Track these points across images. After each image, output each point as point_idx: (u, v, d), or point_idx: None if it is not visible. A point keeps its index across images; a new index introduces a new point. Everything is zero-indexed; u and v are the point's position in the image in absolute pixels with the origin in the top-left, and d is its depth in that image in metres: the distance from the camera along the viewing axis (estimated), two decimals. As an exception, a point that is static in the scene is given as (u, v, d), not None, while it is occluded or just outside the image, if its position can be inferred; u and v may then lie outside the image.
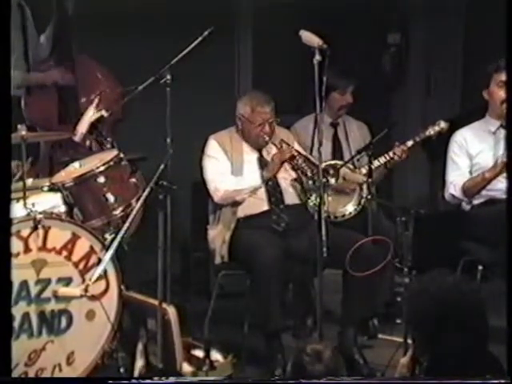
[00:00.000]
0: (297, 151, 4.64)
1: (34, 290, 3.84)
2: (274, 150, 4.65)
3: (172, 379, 3.36)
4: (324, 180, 4.48)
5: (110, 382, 3.00)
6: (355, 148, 5.02)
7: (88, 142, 4.80)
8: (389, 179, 5.18)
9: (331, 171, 4.64)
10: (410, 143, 4.73)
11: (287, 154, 4.58)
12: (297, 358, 2.88)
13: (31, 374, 3.83)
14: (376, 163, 4.71)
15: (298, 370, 2.85)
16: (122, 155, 4.17)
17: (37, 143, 4.83)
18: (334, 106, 5.12)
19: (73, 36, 4.98)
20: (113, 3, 5.44)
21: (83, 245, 3.93)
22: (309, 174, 4.55)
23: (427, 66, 6.87)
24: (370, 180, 4.61)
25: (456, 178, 4.63)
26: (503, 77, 4.43)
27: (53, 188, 4.12)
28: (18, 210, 3.87)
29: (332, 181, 4.62)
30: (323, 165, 4.26)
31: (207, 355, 4.10)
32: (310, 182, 4.56)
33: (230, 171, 4.64)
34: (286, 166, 4.65)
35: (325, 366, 2.83)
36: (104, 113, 4.26)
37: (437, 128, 4.68)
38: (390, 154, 4.73)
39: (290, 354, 3.05)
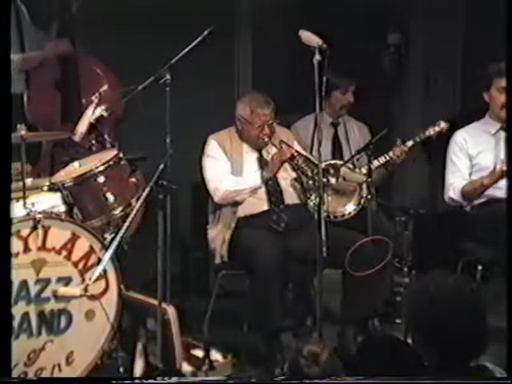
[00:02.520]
0: (296, 151, 4.64)
1: (33, 289, 3.83)
2: (273, 150, 4.66)
3: (172, 379, 3.35)
4: (324, 180, 4.48)
5: (110, 382, 2.99)
6: (355, 148, 5.02)
7: (88, 142, 4.80)
8: (389, 179, 5.17)
9: (331, 171, 4.63)
10: (409, 143, 4.73)
11: (287, 154, 4.58)
12: (293, 359, 2.88)
13: (31, 374, 3.83)
14: (376, 163, 4.71)
15: (295, 372, 2.85)
16: (121, 155, 4.17)
17: (38, 143, 4.83)
18: (336, 105, 5.13)
19: (75, 35, 4.98)
20: (113, 2, 5.44)
21: (83, 244, 3.93)
22: (309, 173, 4.55)
23: (427, 66, 6.87)
24: (369, 180, 4.61)
25: (456, 180, 4.63)
26: (504, 82, 4.41)
27: (52, 188, 4.11)
28: (17, 210, 3.87)
29: (332, 180, 4.62)
30: (323, 164, 4.25)
31: (207, 355, 4.10)
32: (310, 182, 4.56)
33: (230, 171, 4.64)
34: (286, 165, 4.65)
35: (321, 368, 2.83)
36: (104, 112, 4.26)
37: (437, 128, 4.68)
38: (390, 154, 4.73)
39: (290, 354, 3.05)
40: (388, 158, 4.73)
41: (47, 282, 3.86)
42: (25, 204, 3.88)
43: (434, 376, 2.62)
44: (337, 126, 5.23)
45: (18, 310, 3.80)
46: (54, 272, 3.87)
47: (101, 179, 4.08)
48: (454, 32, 6.82)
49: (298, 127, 5.12)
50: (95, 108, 4.24)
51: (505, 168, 4.28)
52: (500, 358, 2.86)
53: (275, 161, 4.59)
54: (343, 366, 2.96)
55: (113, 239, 3.88)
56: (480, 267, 4.45)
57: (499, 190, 4.44)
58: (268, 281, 4.29)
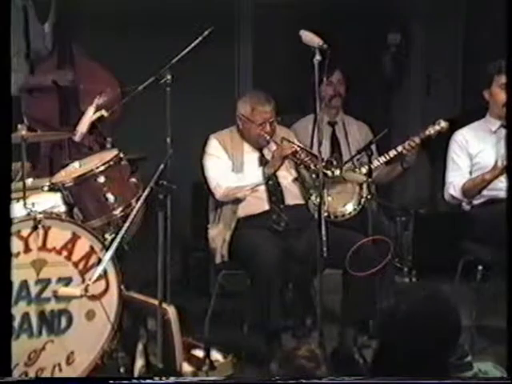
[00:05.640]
0: (298, 146, 4.63)
1: (34, 289, 3.83)
2: (275, 148, 4.65)
3: (172, 379, 3.35)
4: (329, 172, 4.48)
5: (110, 381, 2.99)
6: (355, 147, 5.02)
7: (88, 142, 4.80)
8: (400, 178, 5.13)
9: (335, 162, 4.60)
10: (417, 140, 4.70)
11: (288, 149, 4.57)
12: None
13: (31, 374, 3.83)
14: (376, 163, 4.70)
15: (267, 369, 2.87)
16: (121, 155, 4.17)
17: (37, 143, 4.83)
18: (325, 98, 5.09)
19: (72, 35, 4.99)
20: (113, 3, 5.44)
21: (83, 245, 3.93)
22: (312, 167, 4.54)
23: (427, 65, 6.88)
24: (370, 180, 4.60)
25: (456, 179, 4.63)
26: (505, 79, 4.42)
27: (53, 188, 4.11)
28: (17, 210, 3.87)
29: (337, 172, 4.58)
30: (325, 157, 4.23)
31: (207, 355, 4.10)
32: (314, 176, 4.56)
33: (231, 169, 4.64)
34: (288, 163, 4.64)
35: (299, 363, 2.84)
36: (104, 113, 4.25)
37: (437, 127, 4.68)
38: (390, 153, 4.72)
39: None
40: (388, 157, 4.72)
41: (47, 282, 3.86)
42: (25, 204, 3.88)
43: (433, 376, 2.63)
44: (334, 125, 5.22)
45: (18, 310, 3.80)
46: (54, 272, 3.87)
47: (101, 179, 4.07)
48: (454, 32, 6.83)
49: (297, 128, 5.11)
50: (96, 108, 4.23)
51: (505, 163, 4.27)
52: (500, 358, 2.86)
53: (276, 156, 4.58)
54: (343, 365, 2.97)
55: (113, 239, 3.87)
56: (480, 267, 4.45)
57: (499, 191, 4.45)
58: (268, 281, 4.29)
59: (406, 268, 5.82)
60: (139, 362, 3.97)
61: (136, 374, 3.95)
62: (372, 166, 4.63)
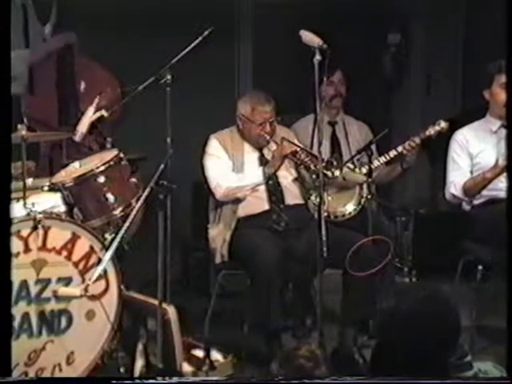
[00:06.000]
0: (298, 146, 4.63)
1: (33, 289, 3.83)
2: (275, 148, 4.66)
3: (172, 379, 3.36)
4: (329, 173, 4.48)
5: (111, 382, 3.00)
6: (355, 147, 5.02)
7: (88, 142, 4.80)
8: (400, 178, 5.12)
9: (335, 163, 4.60)
10: (417, 140, 4.70)
11: (288, 148, 4.57)
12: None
13: (31, 374, 3.83)
14: (376, 163, 4.70)
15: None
16: (121, 155, 4.18)
17: (36, 143, 4.83)
18: (326, 98, 5.09)
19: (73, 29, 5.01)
20: (113, 3, 5.44)
21: (83, 245, 3.93)
22: (312, 167, 4.54)
23: (427, 65, 6.88)
24: (370, 180, 4.60)
25: (457, 178, 4.63)
26: (505, 78, 4.42)
27: (53, 188, 4.12)
28: (17, 210, 3.87)
29: (337, 172, 4.57)
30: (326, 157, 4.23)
31: (207, 355, 4.10)
32: (314, 176, 4.56)
33: (232, 169, 4.64)
34: (288, 163, 4.64)
35: (299, 363, 2.85)
36: (104, 113, 4.26)
37: (437, 127, 4.68)
38: (390, 153, 4.72)
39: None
40: (388, 157, 4.72)
41: (47, 282, 3.86)
42: (25, 204, 3.88)
43: (433, 376, 2.64)
44: (334, 124, 5.22)
45: (18, 310, 3.80)
46: (54, 272, 3.87)
47: (101, 179, 4.07)
48: (454, 31, 6.83)
49: (297, 128, 5.11)
50: (96, 108, 4.24)
51: (506, 162, 4.27)
52: (500, 357, 2.86)
53: (276, 156, 4.58)
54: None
55: (113, 239, 3.87)
56: (480, 267, 4.45)
57: (499, 191, 4.45)
58: (268, 281, 4.29)
59: (406, 268, 5.83)
60: (139, 362, 3.97)
61: (136, 373, 3.95)
62: (372, 166, 4.64)
